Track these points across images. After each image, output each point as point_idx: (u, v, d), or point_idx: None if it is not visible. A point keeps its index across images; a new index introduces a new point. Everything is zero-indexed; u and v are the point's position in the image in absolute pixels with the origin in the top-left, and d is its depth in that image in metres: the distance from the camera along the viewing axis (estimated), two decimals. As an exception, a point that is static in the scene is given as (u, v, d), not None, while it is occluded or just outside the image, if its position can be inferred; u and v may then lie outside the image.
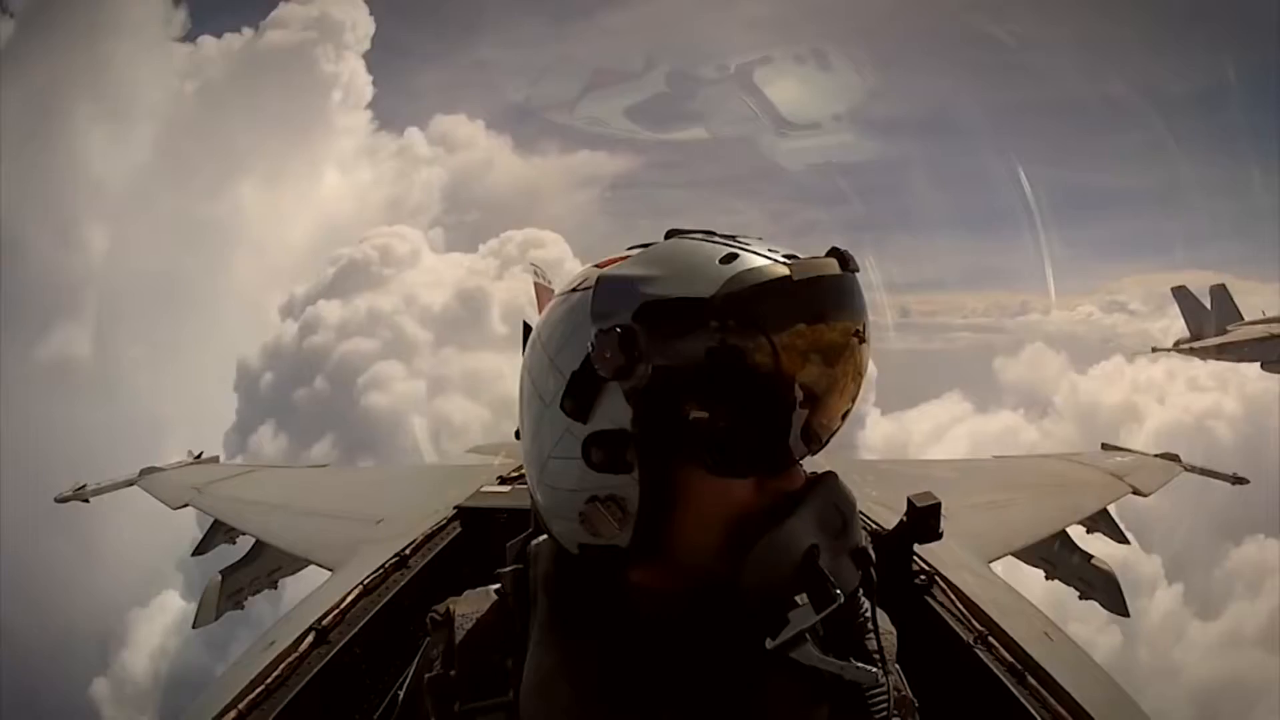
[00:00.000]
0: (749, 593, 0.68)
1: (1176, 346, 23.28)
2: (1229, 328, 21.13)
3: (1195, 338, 22.24)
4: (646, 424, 0.67)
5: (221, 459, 5.93)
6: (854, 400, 0.70)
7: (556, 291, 0.79)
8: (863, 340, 0.68)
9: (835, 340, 0.66)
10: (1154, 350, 25.81)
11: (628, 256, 0.74)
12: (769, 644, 0.67)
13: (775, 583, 0.67)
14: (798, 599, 0.66)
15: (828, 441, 0.70)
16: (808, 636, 0.68)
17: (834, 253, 0.68)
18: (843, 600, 0.67)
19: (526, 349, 0.79)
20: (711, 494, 0.69)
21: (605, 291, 0.69)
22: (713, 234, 0.73)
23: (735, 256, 0.67)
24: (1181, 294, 22.82)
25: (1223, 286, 22.03)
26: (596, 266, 0.75)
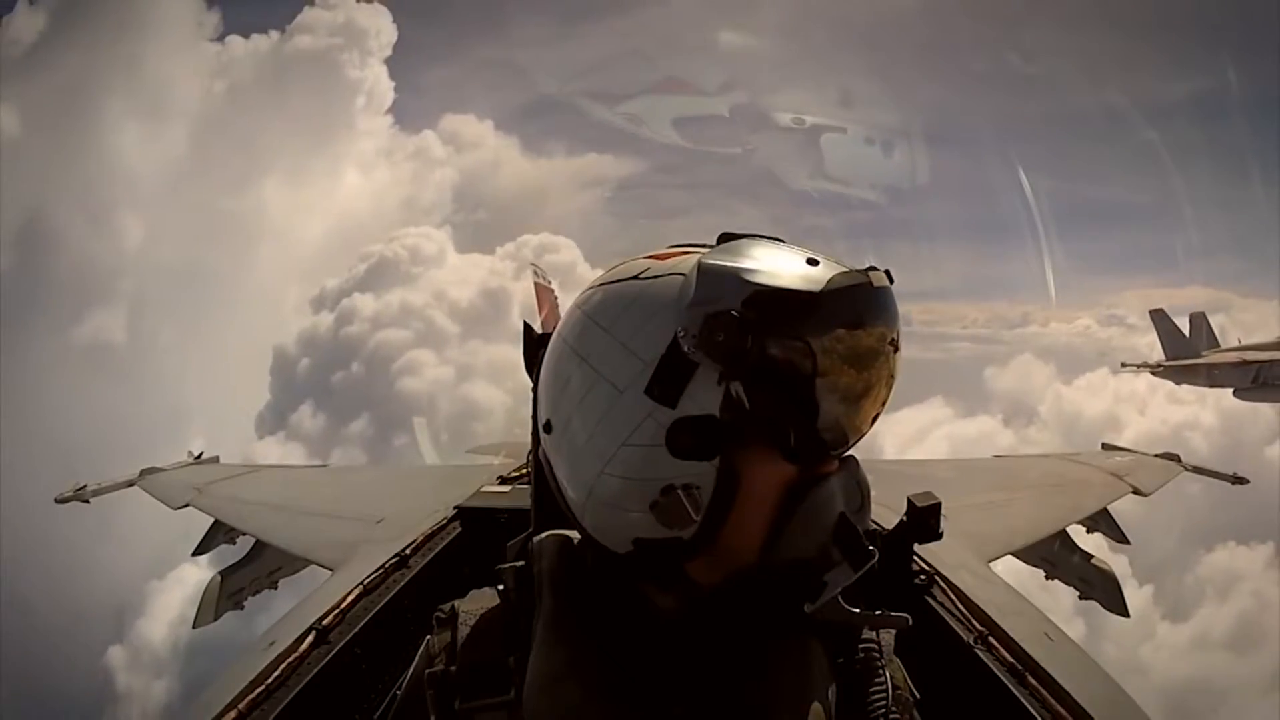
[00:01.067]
0: (783, 565, 0.70)
1: (1150, 367, 23.23)
2: (1204, 353, 21.23)
3: (1172, 360, 22.27)
4: (736, 409, 0.68)
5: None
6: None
7: (601, 280, 0.78)
8: (896, 347, 0.74)
9: (883, 345, 0.72)
10: (1123, 365, 25.67)
11: (689, 252, 0.75)
12: (808, 608, 0.69)
13: (811, 549, 0.70)
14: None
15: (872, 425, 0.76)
16: (839, 597, 0.70)
17: (871, 269, 0.73)
18: (877, 557, 0.70)
19: (572, 338, 0.76)
20: (766, 480, 0.71)
21: (710, 277, 0.70)
22: (773, 239, 0.76)
23: (817, 262, 0.71)
24: (1159, 317, 22.90)
25: (1202, 314, 22.31)
26: (651, 258, 0.76)
